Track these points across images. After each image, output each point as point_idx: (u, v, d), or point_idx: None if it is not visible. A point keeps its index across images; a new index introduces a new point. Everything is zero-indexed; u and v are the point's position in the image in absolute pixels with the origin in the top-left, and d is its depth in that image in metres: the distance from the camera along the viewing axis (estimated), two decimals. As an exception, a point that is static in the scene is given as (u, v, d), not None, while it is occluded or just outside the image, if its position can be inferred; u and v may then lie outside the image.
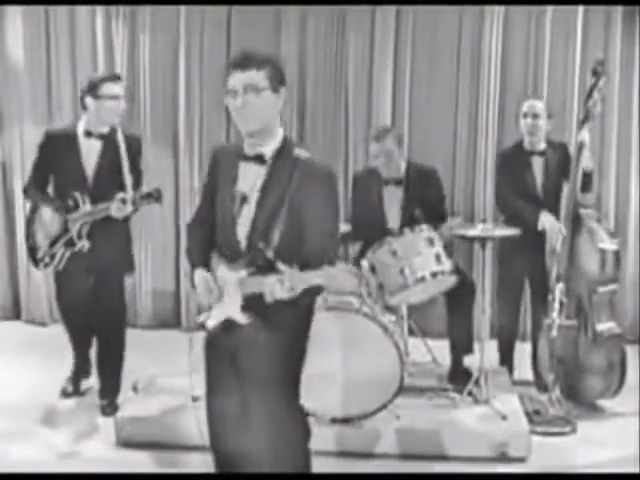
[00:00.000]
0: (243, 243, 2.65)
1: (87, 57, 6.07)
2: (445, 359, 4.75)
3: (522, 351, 4.93)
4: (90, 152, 4.20)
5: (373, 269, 4.04)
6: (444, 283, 4.07)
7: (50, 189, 4.33)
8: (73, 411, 4.48)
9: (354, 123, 5.98)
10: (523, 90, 5.72)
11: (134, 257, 4.52)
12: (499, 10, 5.69)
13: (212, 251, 2.76)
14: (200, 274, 2.72)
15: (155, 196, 4.05)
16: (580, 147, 4.33)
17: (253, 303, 2.58)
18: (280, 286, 2.40)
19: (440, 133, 5.89)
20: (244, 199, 2.64)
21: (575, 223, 4.35)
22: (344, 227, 4.49)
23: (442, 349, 4.78)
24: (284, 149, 2.66)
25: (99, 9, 5.98)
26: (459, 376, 4.52)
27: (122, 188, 4.10)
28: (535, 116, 4.65)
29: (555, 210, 4.67)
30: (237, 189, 2.66)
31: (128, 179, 4.12)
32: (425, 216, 4.35)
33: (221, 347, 2.76)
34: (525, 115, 4.68)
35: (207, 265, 2.74)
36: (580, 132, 4.35)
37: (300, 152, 2.66)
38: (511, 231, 4.25)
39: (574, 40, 5.65)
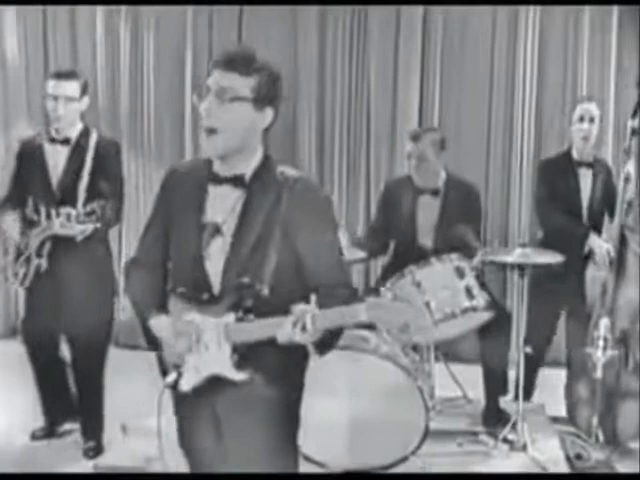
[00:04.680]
0: (217, 282, 2.22)
1: (88, 59, 5.92)
2: (476, 389, 4.41)
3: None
4: (57, 160, 3.89)
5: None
6: (476, 319, 3.73)
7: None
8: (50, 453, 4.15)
9: (376, 131, 5.77)
10: (562, 95, 5.52)
11: (116, 280, 4.13)
12: (535, 10, 5.49)
13: (163, 297, 2.35)
14: (163, 321, 2.28)
15: (98, 214, 3.60)
16: (627, 178, 4.07)
17: (243, 354, 2.17)
18: (298, 329, 2.00)
19: (472, 143, 5.63)
20: (216, 230, 2.21)
21: (622, 247, 4.09)
22: (359, 253, 4.23)
23: (472, 374, 4.41)
24: (265, 167, 2.24)
25: (100, 9, 5.86)
26: (494, 418, 4.16)
27: (92, 199, 3.71)
28: (592, 120, 4.34)
29: (598, 231, 4.38)
30: (206, 219, 2.23)
31: (82, 192, 3.78)
32: (456, 239, 4.06)
33: (199, 410, 2.32)
34: (581, 119, 4.34)
35: (166, 314, 2.30)
36: (627, 164, 4.08)
37: (285, 169, 2.24)
38: (554, 258, 3.87)
39: (609, 41, 5.45)
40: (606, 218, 4.44)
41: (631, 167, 4.06)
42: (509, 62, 5.57)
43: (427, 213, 4.29)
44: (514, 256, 3.84)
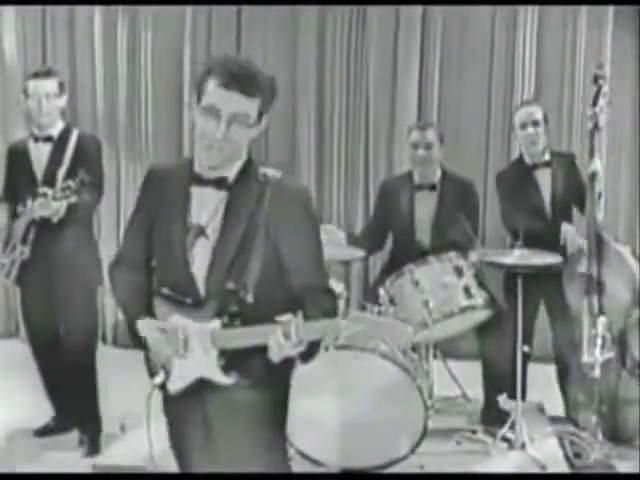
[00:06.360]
0: (202, 286, 2.20)
1: (86, 59, 5.87)
2: (475, 388, 4.42)
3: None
4: (40, 156, 3.97)
5: (392, 301, 3.65)
6: (475, 318, 3.75)
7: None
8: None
9: (375, 130, 5.72)
10: (559, 93, 5.51)
11: (102, 267, 4.11)
12: (533, 10, 5.48)
13: (148, 297, 2.32)
14: (151, 323, 2.24)
15: (73, 188, 3.68)
16: (593, 176, 3.98)
17: (230, 359, 2.16)
18: (286, 340, 1.99)
19: (471, 141, 5.60)
20: (200, 232, 2.19)
21: (599, 246, 4.00)
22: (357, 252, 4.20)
23: (471, 372, 4.41)
24: (249, 168, 2.22)
25: (98, 9, 5.81)
26: (493, 417, 4.14)
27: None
28: (536, 124, 4.26)
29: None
30: (190, 220, 2.21)
31: (61, 175, 3.84)
32: (453, 233, 4.05)
33: (188, 412, 2.31)
34: (524, 125, 4.27)
35: (152, 314, 2.28)
36: (592, 162, 3.99)
37: (268, 171, 2.21)
38: (553, 258, 3.83)
39: (605, 40, 5.43)
40: (577, 215, 4.36)
41: (597, 163, 3.97)
42: (508, 61, 5.52)
43: (425, 209, 4.31)
44: (512, 258, 3.82)
